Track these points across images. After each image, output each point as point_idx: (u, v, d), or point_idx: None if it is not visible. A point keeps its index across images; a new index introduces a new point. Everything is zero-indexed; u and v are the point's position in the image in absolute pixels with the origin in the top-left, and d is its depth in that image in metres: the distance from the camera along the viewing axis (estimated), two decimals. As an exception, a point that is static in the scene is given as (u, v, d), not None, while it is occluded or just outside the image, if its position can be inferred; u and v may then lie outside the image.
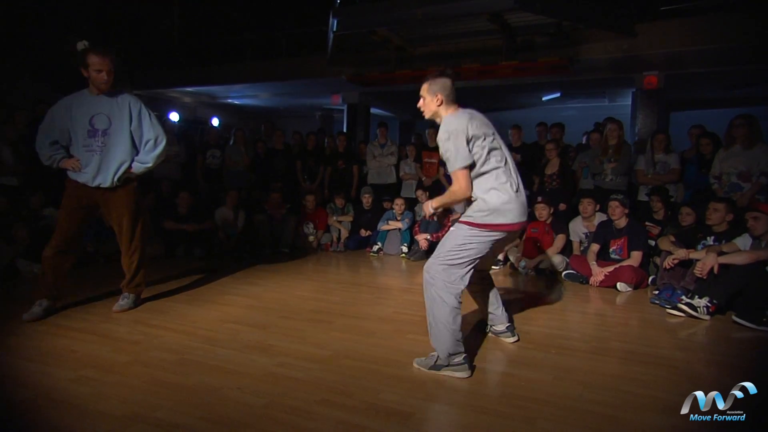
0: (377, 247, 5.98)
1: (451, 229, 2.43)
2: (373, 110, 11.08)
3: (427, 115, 2.53)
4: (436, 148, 7.20)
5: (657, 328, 3.23)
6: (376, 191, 6.58)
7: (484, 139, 2.35)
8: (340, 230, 6.31)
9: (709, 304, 3.32)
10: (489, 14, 6.03)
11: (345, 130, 10.01)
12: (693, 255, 3.73)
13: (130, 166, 3.16)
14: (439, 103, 2.43)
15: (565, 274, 4.63)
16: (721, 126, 4.84)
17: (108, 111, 3.09)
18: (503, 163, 2.41)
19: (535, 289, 4.40)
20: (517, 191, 2.39)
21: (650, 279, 4.39)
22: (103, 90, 3.06)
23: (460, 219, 2.42)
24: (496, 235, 2.37)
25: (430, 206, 2.51)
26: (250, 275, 4.56)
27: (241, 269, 4.80)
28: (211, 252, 5.67)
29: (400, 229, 5.96)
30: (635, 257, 4.28)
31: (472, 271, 2.38)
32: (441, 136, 2.33)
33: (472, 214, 2.36)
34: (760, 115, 4.61)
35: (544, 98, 10.30)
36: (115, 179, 3.11)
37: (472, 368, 2.35)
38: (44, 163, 3.13)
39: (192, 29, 11.19)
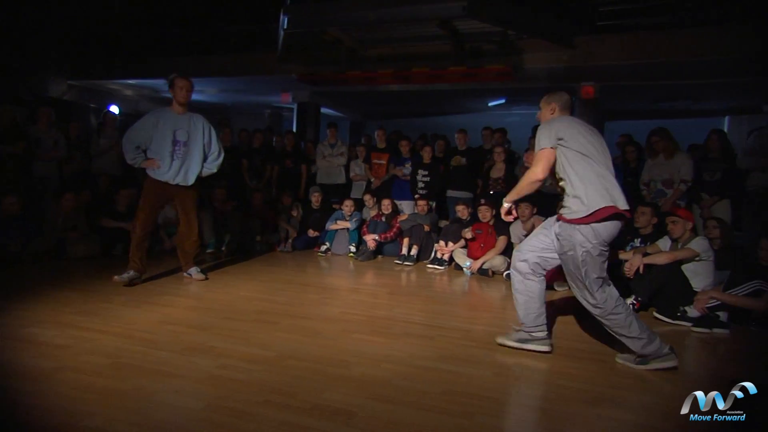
0: (325, 247, 5.96)
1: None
2: (323, 110, 11.01)
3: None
4: (385, 150, 7.29)
5: (589, 326, 3.41)
6: (325, 191, 6.55)
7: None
8: (287, 230, 6.24)
9: (634, 302, 3.57)
10: (439, 20, 6.16)
11: (294, 129, 9.88)
12: (622, 255, 3.99)
13: (200, 171, 4.06)
14: (552, 112, 2.76)
15: (507, 275, 4.80)
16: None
17: (187, 127, 3.99)
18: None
19: (478, 289, 4.55)
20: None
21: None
22: (182, 103, 3.98)
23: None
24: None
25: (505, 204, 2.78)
26: (193, 276, 4.41)
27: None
28: (150, 251, 5.43)
29: (348, 229, 5.97)
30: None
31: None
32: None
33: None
34: (680, 126, 4.99)
35: (489, 104, 10.62)
36: (194, 180, 4.01)
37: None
38: (128, 162, 4.00)
39: (135, 20, 10.66)
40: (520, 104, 10.68)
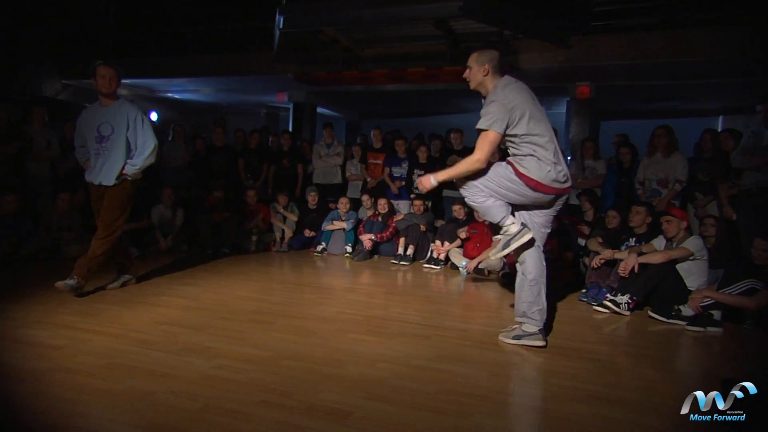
0: (321, 247, 5.96)
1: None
2: (319, 110, 11.00)
3: (472, 85, 2.63)
4: (381, 149, 7.29)
5: (584, 325, 3.44)
6: (321, 191, 6.55)
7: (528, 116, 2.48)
8: (283, 230, 6.23)
9: (629, 301, 3.58)
10: (434, 20, 6.16)
11: (291, 128, 9.88)
12: (617, 255, 4.00)
13: (123, 167, 3.57)
14: (485, 73, 2.56)
15: (503, 274, 4.81)
16: (642, 135, 5.24)
17: (111, 120, 3.57)
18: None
19: (474, 289, 4.55)
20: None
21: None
22: (105, 93, 3.56)
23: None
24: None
25: (432, 180, 2.59)
26: (189, 275, 4.40)
27: (179, 269, 4.62)
28: (146, 251, 5.42)
29: (344, 229, 5.96)
30: (566, 258, 4.52)
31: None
32: (488, 100, 2.50)
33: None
34: (674, 126, 5.02)
35: (486, 103, 10.63)
36: (114, 179, 3.55)
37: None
38: (80, 164, 3.81)
39: (130, 18, 10.61)
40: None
